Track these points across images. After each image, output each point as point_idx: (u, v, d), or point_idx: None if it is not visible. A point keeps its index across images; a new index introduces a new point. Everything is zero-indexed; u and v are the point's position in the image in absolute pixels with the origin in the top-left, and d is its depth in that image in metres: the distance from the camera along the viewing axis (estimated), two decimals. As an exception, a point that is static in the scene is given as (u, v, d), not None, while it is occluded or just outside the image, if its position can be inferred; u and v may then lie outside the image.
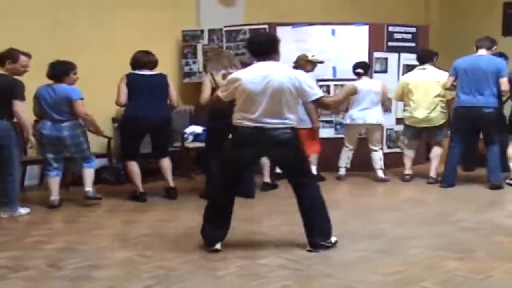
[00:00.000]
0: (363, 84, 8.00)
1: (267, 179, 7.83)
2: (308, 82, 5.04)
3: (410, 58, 8.96)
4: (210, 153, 7.23)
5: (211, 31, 9.24)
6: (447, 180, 7.75)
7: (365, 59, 8.71)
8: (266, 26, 8.86)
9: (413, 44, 9.15)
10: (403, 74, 8.91)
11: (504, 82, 7.41)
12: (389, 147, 9.12)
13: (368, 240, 5.43)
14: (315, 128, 8.12)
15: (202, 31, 9.33)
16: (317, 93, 5.06)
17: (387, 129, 9.04)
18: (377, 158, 8.25)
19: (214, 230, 5.13)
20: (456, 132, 7.73)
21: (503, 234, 5.58)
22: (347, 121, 8.29)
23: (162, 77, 7.37)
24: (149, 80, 7.23)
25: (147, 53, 7.29)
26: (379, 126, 8.24)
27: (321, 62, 8.14)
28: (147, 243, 5.46)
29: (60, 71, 6.89)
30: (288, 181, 5.28)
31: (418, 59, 8.24)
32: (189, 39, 9.33)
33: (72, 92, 6.86)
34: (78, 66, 7.01)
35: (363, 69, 8.19)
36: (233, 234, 5.54)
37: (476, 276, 4.46)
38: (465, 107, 7.52)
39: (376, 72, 8.87)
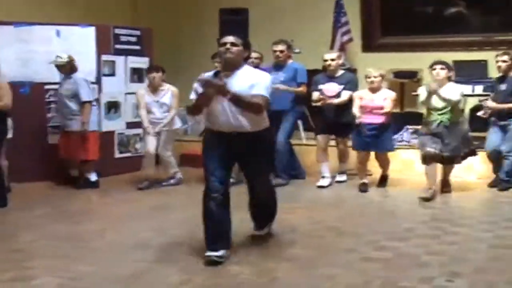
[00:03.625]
0: None
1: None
2: None
3: (136, 61, 8.92)
4: None
5: None
6: None
7: (93, 61, 8.45)
8: (-20, 23, 8.12)
9: (138, 47, 9.05)
10: (130, 77, 8.82)
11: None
12: (121, 152, 8.90)
13: (139, 250, 5.24)
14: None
15: None
16: None
17: (118, 134, 8.83)
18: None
19: None
20: None
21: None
22: None
23: None
24: None
25: None
26: (169, 132, 8.01)
27: None
28: None
29: None
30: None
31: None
32: None
33: None
34: None
35: None
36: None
37: (262, 279, 4.54)
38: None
39: (104, 75, 8.60)
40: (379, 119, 7.48)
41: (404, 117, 9.46)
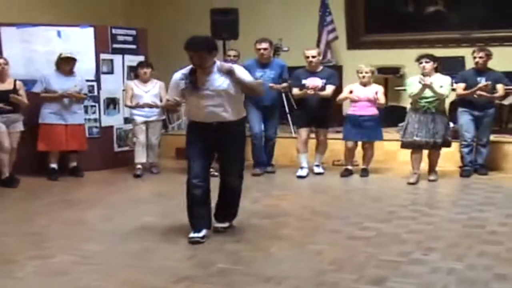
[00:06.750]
0: None
1: None
2: None
3: (133, 60, 9.29)
4: None
5: None
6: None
7: (92, 60, 8.92)
8: (-12, 25, 8.57)
9: (134, 46, 9.51)
10: (127, 75, 9.25)
11: None
12: (119, 146, 9.38)
13: (145, 231, 5.75)
14: None
15: None
16: None
17: (117, 129, 9.32)
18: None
19: None
20: None
21: (259, 218, 6.25)
22: None
23: None
24: None
25: None
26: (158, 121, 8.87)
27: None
28: None
29: None
30: None
31: None
32: None
33: None
34: None
35: None
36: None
37: (258, 254, 5.06)
38: None
39: (103, 73, 9.07)
40: (372, 111, 8.16)
41: (387, 111, 9.93)
